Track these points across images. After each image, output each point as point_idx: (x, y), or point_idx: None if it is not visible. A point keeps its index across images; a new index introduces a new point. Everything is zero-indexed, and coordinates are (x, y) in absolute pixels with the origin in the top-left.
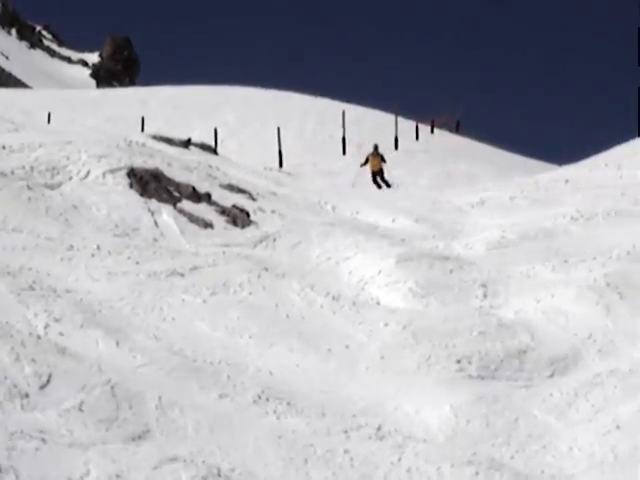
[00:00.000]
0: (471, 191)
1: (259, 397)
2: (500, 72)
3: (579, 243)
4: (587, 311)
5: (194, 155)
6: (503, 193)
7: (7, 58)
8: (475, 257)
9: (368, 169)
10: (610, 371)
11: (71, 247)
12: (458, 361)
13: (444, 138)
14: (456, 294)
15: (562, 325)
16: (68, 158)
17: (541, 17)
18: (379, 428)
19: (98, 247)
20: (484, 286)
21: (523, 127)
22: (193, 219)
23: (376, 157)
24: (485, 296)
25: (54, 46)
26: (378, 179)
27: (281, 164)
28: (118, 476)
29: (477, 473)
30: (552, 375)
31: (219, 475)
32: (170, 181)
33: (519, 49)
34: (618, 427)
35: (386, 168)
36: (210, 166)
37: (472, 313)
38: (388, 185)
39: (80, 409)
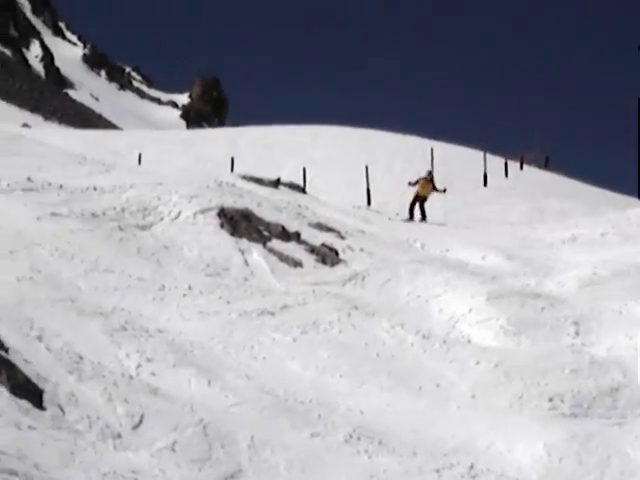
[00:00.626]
0: (562, 227)
1: (350, 436)
2: (588, 107)
3: None
4: None
5: (283, 194)
6: (594, 229)
7: (97, 99)
8: (567, 294)
9: (412, 192)
10: None
11: (163, 287)
12: (550, 399)
13: (533, 174)
14: (548, 332)
15: None
16: (159, 199)
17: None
18: (471, 467)
19: (189, 287)
20: (576, 323)
21: (613, 162)
22: (283, 258)
23: (428, 183)
24: (577, 334)
25: (144, 87)
26: (416, 207)
27: (369, 202)
28: None
29: None
30: None
31: None
32: (260, 221)
33: (607, 86)
34: None
35: (431, 198)
36: (299, 205)
37: (564, 351)
38: (424, 216)
39: (172, 449)
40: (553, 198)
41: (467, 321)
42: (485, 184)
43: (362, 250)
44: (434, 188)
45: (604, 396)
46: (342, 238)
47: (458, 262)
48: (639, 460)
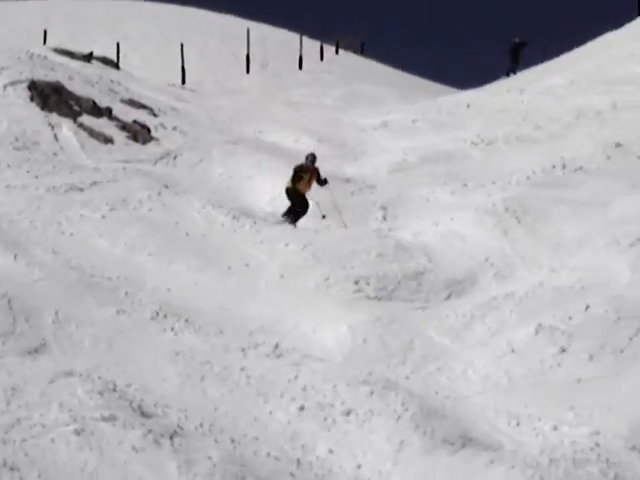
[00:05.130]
0: (374, 113)
1: (157, 313)
2: None
3: (479, 167)
4: (485, 235)
5: (96, 69)
6: (406, 116)
7: None
8: (376, 179)
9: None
10: (506, 295)
11: None
12: (356, 282)
13: (348, 59)
14: (356, 216)
15: (460, 248)
16: None
17: None
18: (276, 346)
19: None
20: (384, 208)
21: (427, 51)
22: (93, 134)
23: (313, 174)
24: (384, 218)
25: None
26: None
27: (184, 81)
28: (14, 389)
29: (372, 393)
30: (449, 297)
31: (115, 390)
32: (71, 95)
33: None
34: (513, 350)
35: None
36: (112, 80)
37: (371, 235)
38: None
39: None
40: (367, 84)
41: (278, 203)
42: (300, 67)
43: (175, 129)
44: (318, 179)
45: (409, 280)
46: (155, 115)
47: (271, 144)
48: (441, 344)
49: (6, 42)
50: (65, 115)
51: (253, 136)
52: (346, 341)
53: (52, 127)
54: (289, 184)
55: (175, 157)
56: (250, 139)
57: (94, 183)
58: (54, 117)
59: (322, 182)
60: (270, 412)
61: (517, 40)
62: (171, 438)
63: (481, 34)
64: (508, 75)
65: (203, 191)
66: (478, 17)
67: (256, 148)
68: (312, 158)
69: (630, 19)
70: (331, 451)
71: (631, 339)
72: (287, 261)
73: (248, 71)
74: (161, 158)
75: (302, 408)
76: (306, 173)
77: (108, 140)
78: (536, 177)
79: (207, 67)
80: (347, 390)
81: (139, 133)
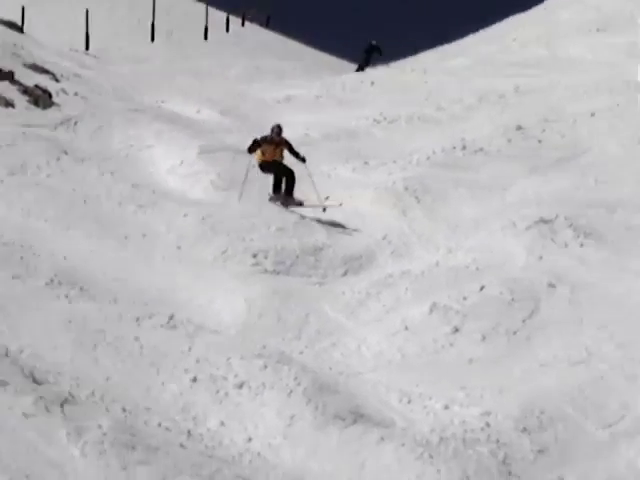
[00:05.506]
0: (278, 87)
1: (52, 280)
2: None
3: (381, 146)
4: (383, 213)
5: None
6: (309, 91)
7: None
8: None
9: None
10: (402, 273)
11: None
12: (254, 255)
13: (254, 32)
14: (257, 189)
15: (358, 225)
16: None
17: None
18: (171, 317)
19: None
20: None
21: (332, 26)
22: None
23: (280, 147)
24: None
25: None
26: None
27: (87, 47)
28: None
29: (265, 366)
30: (345, 274)
31: (7, 355)
32: None
33: None
34: (407, 328)
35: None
36: (14, 44)
37: (271, 209)
38: (289, 193)
39: None
40: (272, 57)
41: (178, 174)
42: (206, 38)
43: (76, 94)
44: (289, 148)
45: (307, 255)
46: (57, 81)
47: (173, 114)
48: (336, 320)
49: None
50: None
51: (155, 105)
52: (242, 314)
53: None
54: (258, 158)
55: (76, 123)
56: (152, 108)
57: None
58: None
59: (297, 155)
60: (162, 383)
61: (374, 43)
62: (62, 406)
63: (387, 11)
64: (357, 71)
65: (103, 158)
66: None
67: (157, 117)
68: (278, 130)
69: (537, 2)
70: (222, 423)
71: (524, 321)
72: (185, 232)
73: (153, 40)
74: (61, 124)
75: (195, 380)
76: (270, 144)
77: (9, 104)
78: (436, 157)
79: (112, 34)
80: (241, 363)
81: (40, 98)
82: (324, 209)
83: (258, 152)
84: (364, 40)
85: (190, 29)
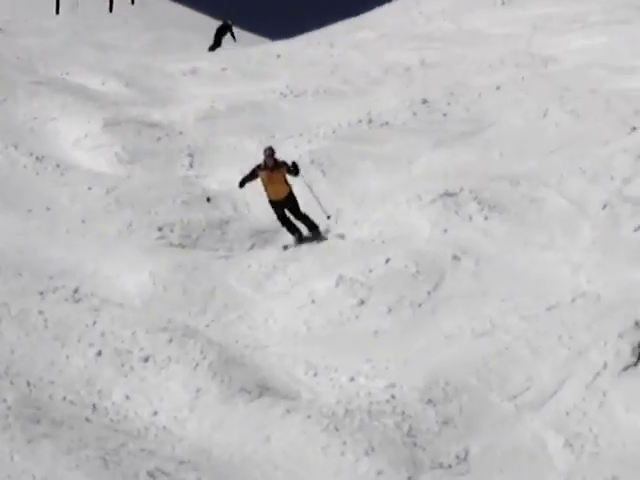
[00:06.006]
0: (184, 59)
1: None
2: None
3: (287, 119)
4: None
5: None
6: (215, 64)
7: None
8: (184, 126)
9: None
10: (308, 246)
11: None
12: (160, 229)
13: (159, 4)
14: (162, 162)
15: (264, 199)
16: None
17: None
18: (76, 291)
19: None
20: (191, 156)
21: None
22: None
23: (277, 171)
24: (191, 166)
25: None
26: (291, 217)
27: None
28: None
29: (171, 340)
30: (252, 247)
31: None
32: None
33: None
34: (313, 301)
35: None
36: None
37: (177, 182)
38: (314, 229)
39: None
40: (177, 29)
41: (82, 146)
42: (111, 10)
43: None
44: (289, 171)
45: (214, 229)
46: None
47: (77, 86)
48: (243, 293)
49: None
50: None
51: (60, 77)
52: (147, 287)
53: None
54: (267, 196)
55: None
56: (56, 80)
57: None
58: None
59: (293, 172)
60: (67, 356)
61: (229, 22)
62: None
63: None
64: (210, 51)
65: (6, 131)
66: None
67: (62, 90)
68: (269, 152)
69: None
70: (128, 397)
71: (429, 293)
72: (89, 206)
73: (58, 12)
74: None
75: (100, 353)
76: (264, 171)
77: None
78: (342, 131)
79: (16, 5)
80: (146, 337)
81: None
82: (328, 217)
83: (261, 187)
84: (268, 14)
85: (95, 1)
